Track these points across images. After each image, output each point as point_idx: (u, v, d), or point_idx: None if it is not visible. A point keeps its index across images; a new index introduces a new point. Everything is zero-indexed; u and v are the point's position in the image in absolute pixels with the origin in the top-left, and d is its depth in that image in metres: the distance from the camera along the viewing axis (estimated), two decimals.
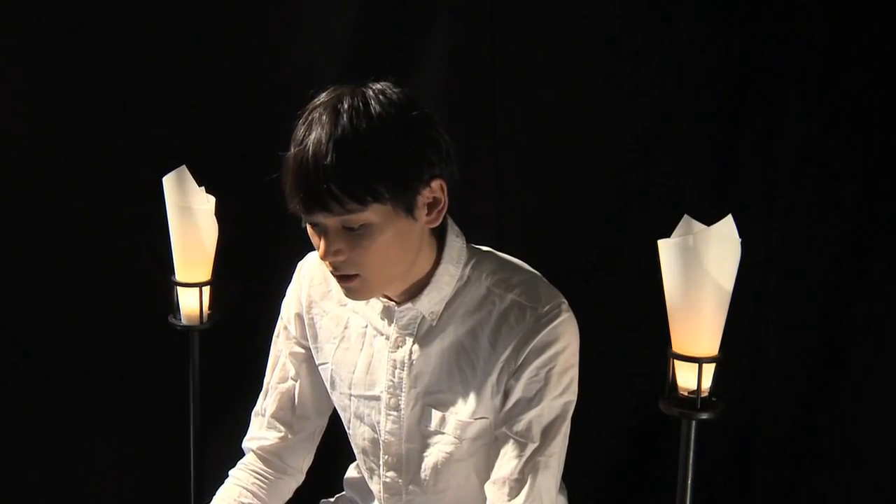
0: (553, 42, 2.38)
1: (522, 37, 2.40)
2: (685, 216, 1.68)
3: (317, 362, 1.80)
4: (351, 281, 1.57)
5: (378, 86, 1.53)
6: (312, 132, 1.48)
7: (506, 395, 1.63)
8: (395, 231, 1.53)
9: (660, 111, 2.35)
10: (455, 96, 2.41)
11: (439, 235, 1.64)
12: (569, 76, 2.37)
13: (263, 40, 2.52)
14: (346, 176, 1.46)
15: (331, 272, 1.58)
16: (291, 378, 1.84)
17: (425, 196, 1.54)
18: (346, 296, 1.61)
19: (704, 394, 1.72)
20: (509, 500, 1.60)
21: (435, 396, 1.67)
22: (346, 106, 1.49)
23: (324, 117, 1.48)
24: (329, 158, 1.46)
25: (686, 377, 1.73)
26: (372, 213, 1.50)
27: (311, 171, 1.47)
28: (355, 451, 1.83)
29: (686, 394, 1.73)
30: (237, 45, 2.51)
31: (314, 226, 1.55)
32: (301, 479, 1.90)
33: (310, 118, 1.50)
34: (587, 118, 2.38)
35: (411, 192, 1.52)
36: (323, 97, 1.53)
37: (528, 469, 1.60)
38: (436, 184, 1.54)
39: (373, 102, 1.50)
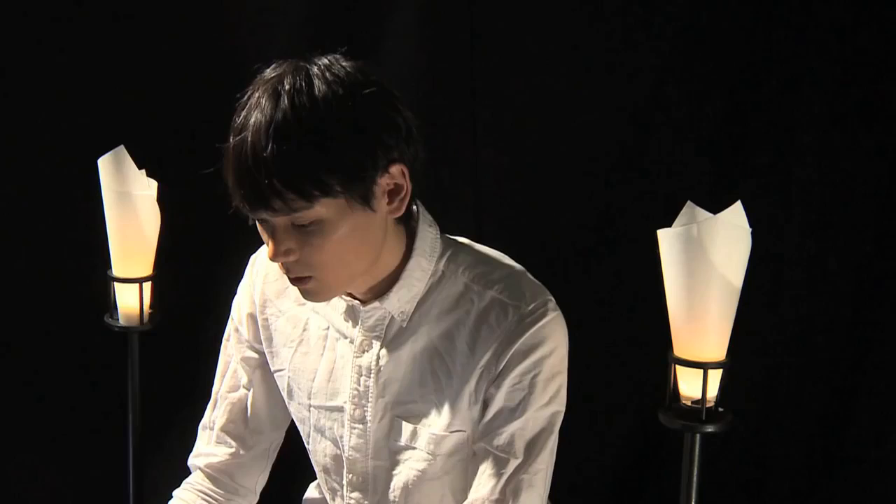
0: (539, 10, 2.37)
1: (504, 5, 2.39)
2: (688, 203, 1.68)
3: (272, 369, 1.80)
4: (306, 283, 1.56)
5: (325, 60, 1.50)
6: (251, 119, 1.46)
7: (485, 405, 1.62)
8: (351, 225, 1.51)
9: (662, 85, 2.35)
10: (428, 68, 2.40)
11: (408, 225, 1.63)
12: (559, 47, 2.37)
13: (211, 10, 2.51)
14: (288, 170, 1.44)
15: (283, 273, 1.57)
16: (243, 386, 1.83)
17: (384, 184, 1.52)
18: (304, 298, 1.60)
19: (710, 403, 1.72)
20: None
21: (405, 407, 1.67)
22: (287, 87, 1.46)
23: (263, 101, 1.46)
24: (269, 150, 1.44)
25: (689, 385, 1.73)
26: (323, 209, 1.48)
27: (250, 166, 1.45)
28: (316, 468, 1.82)
29: (689, 404, 1.74)
30: (180, 14, 2.50)
31: (262, 222, 1.53)
32: (254, 500, 1.89)
33: (249, 102, 1.48)
34: (579, 90, 2.38)
35: (366, 182, 1.50)
36: (267, 73, 1.51)
37: (510, 488, 1.60)
38: (395, 169, 1.52)
39: (317, 81, 1.47)
